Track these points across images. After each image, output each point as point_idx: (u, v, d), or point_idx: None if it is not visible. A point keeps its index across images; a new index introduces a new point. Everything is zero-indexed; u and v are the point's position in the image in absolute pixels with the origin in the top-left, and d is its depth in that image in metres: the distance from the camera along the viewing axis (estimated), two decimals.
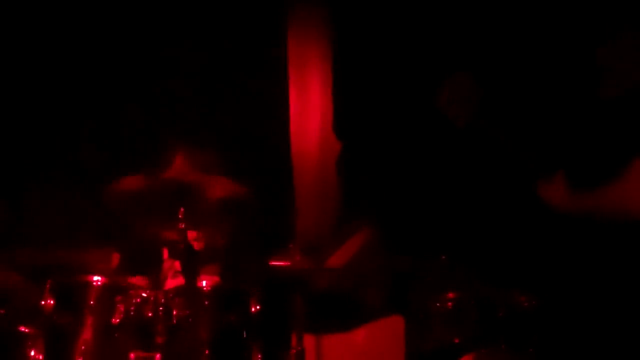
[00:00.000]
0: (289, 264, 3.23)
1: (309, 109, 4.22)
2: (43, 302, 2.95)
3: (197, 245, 3.11)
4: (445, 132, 3.73)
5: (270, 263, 3.19)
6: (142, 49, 3.97)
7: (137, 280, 3.17)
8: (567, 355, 3.32)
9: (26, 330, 3.00)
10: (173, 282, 3.11)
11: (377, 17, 4.10)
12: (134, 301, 2.94)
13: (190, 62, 4.03)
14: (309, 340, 3.41)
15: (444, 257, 3.56)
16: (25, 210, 3.68)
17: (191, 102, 3.99)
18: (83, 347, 2.88)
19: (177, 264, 3.12)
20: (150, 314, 2.91)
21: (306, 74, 4.24)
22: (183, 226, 3.00)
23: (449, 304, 3.34)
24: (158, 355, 2.88)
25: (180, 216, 3.01)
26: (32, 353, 2.89)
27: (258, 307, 2.98)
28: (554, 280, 3.51)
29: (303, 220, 4.01)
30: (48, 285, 2.98)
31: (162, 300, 2.94)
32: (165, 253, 3.18)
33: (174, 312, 2.90)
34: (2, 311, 3.13)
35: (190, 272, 2.93)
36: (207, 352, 2.89)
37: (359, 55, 4.11)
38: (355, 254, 3.68)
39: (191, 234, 3.08)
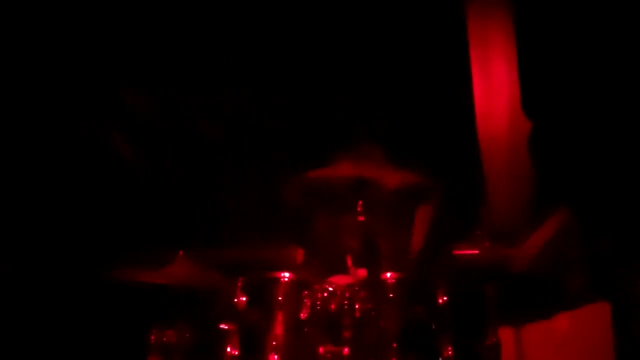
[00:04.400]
0: (477, 252, 3.10)
1: (494, 89, 4.04)
2: (236, 300, 3.04)
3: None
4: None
5: (456, 252, 3.08)
6: (326, 42, 4.00)
7: (338, 279, 3.18)
8: None
9: (226, 327, 3.11)
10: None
11: None
12: (319, 296, 2.96)
13: (368, 47, 3.99)
14: (506, 331, 3.27)
15: None
16: (221, 210, 3.83)
17: (371, 91, 3.95)
18: (274, 343, 2.93)
19: (361, 272, 3.09)
20: (334, 308, 2.91)
21: (489, 52, 4.06)
22: (362, 219, 2.98)
23: None
24: (346, 349, 2.88)
25: (359, 209, 2.99)
26: (229, 349, 2.99)
27: (445, 298, 2.89)
28: None
29: (495, 205, 3.84)
30: (240, 283, 3.06)
31: (347, 294, 2.93)
32: (349, 260, 3.17)
33: (357, 306, 2.88)
34: (205, 309, 3.26)
35: (372, 265, 2.89)
36: (394, 345, 2.84)
37: (542, 28, 3.88)
38: (551, 238, 3.47)
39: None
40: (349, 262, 3.11)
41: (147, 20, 3.90)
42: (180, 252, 3.22)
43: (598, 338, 3.30)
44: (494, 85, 4.04)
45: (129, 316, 3.46)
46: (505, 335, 3.17)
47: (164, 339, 3.05)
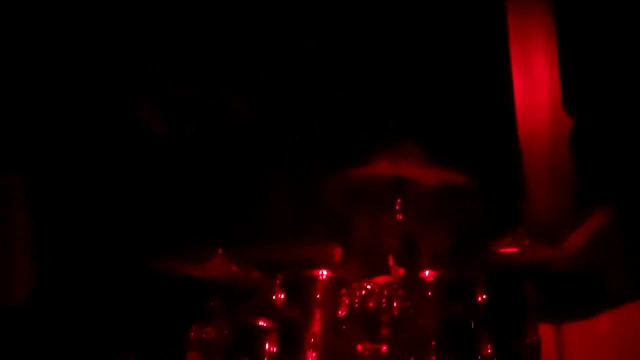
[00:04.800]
0: (517, 250, 3.07)
1: (535, 85, 4.00)
2: (274, 297, 3.05)
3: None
4: None
5: (496, 250, 3.05)
6: (365, 40, 3.99)
7: (381, 279, 3.17)
8: None
9: (264, 324, 3.13)
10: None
11: None
12: (357, 294, 2.96)
13: (407, 43, 3.98)
14: (547, 330, 3.24)
15: None
16: (260, 208, 3.86)
17: (410, 88, 3.94)
18: (312, 340, 2.94)
19: (402, 271, 3.09)
20: (372, 306, 2.91)
21: (529, 48, 4.01)
22: (401, 217, 2.97)
23: None
24: (384, 347, 2.88)
25: (397, 207, 2.98)
26: (267, 346, 3.00)
27: (484, 297, 2.87)
28: None
29: (535, 203, 3.80)
30: (278, 281, 3.07)
31: (385, 292, 2.93)
32: (391, 260, 3.17)
33: (395, 304, 2.88)
34: (244, 306, 3.28)
35: (411, 263, 2.89)
36: (433, 343, 2.83)
37: (583, 23, 3.82)
38: (593, 236, 3.43)
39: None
40: (390, 261, 3.11)
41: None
42: (220, 250, 3.24)
43: None
44: (535, 82, 3.99)
45: (169, 313, 3.50)
46: (546, 334, 3.14)
47: (204, 336, 3.08)
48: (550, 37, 3.99)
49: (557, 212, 3.70)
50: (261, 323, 3.08)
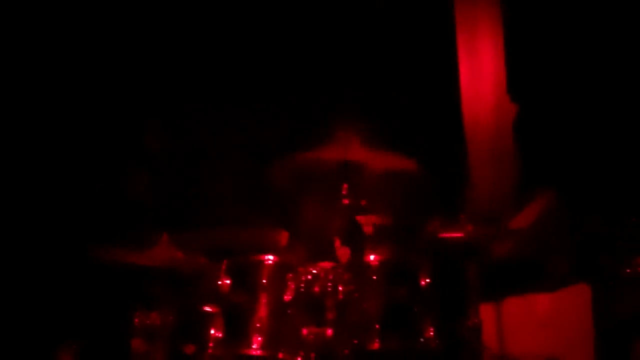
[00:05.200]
0: (460, 234, 3.11)
1: (481, 73, 4.05)
2: (220, 282, 3.04)
3: (366, 229, 3.09)
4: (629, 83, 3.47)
5: (440, 234, 3.10)
6: (313, 27, 3.99)
7: (326, 265, 3.19)
8: None
9: (210, 309, 3.11)
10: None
11: None
12: (303, 278, 2.97)
13: (354, 32, 3.99)
14: (488, 311, 3.30)
15: (634, 219, 3.32)
16: (206, 192, 3.84)
17: (356, 74, 3.95)
18: (258, 325, 2.94)
19: (348, 251, 3.11)
20: (317, 290, 2.93)
21: (475, 35, 4.06)
22: (347, 202, 2.99)
23: None
24: (329, 331, 2.90)
25: (344, 192, 2.99)
26: (212, 331, 3.00)
27: (427, 280, 2.91)
28: None
29: (479, 188, 3.86)
30: (224, 266, 3.06)
31: (331, 276, 2.94)
32: (337, 242, 3.18)
33: (340, 288, 2.90)
34: (189, 291, 3.26)
35: (356, 247, 2.91)
36: (377, 326, 2.86)
37: (529, 12, 3.88)
38: (535, 220, 3.49)
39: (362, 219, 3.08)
40: (337, 243, 3.12)
41: None
42: (164, 235, 3.21)
43: (578, 318, 3.32)
44: (480, 69, 4.04)
45: (113, 299, 3.47)
46: (487, 316, 3.20)
47: (148, 322, 3.06)
48: (497, 26, 4.03)
49: (500, 197, 3.77)
50: (207, 308, 3.06)
